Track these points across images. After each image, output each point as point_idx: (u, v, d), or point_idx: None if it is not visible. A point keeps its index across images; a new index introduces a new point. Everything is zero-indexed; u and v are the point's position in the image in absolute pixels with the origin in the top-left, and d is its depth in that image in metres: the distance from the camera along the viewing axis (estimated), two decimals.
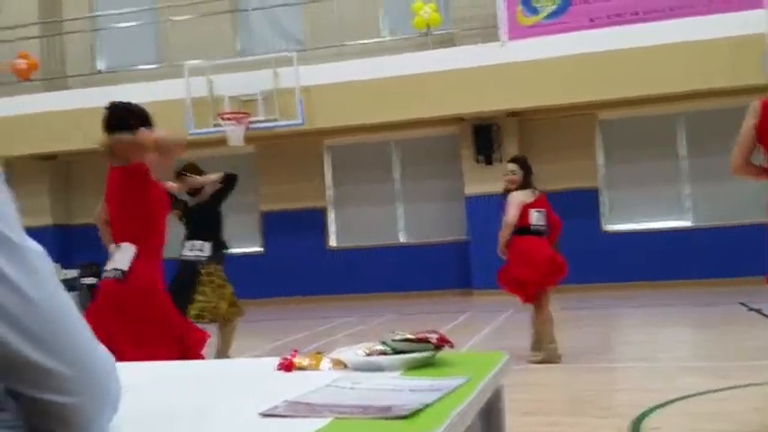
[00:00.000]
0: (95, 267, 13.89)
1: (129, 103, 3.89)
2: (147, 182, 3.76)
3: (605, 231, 12.78)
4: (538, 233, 6.51)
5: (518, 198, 6.52)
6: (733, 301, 9.44)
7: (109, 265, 3.83)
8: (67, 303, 0.88)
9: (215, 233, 6.58)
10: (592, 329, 8.44)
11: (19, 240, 0.84)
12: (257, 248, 14.05)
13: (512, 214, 6.46)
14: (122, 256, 3.75)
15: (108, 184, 3.91)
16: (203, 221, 6.56)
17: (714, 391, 5.04)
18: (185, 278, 6.23)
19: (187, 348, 3.75)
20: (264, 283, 13.19)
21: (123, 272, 3.72)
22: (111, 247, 3.89)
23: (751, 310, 8.68)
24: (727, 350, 6.65)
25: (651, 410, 4.59)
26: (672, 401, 4.81)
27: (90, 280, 13.74)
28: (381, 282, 13.23)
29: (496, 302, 9.76)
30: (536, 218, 6.50)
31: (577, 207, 12.56)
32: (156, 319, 3.74)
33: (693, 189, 12.54)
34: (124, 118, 3.75)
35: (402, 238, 13.70)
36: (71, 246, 14.41)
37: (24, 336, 0.81)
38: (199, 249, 6.36)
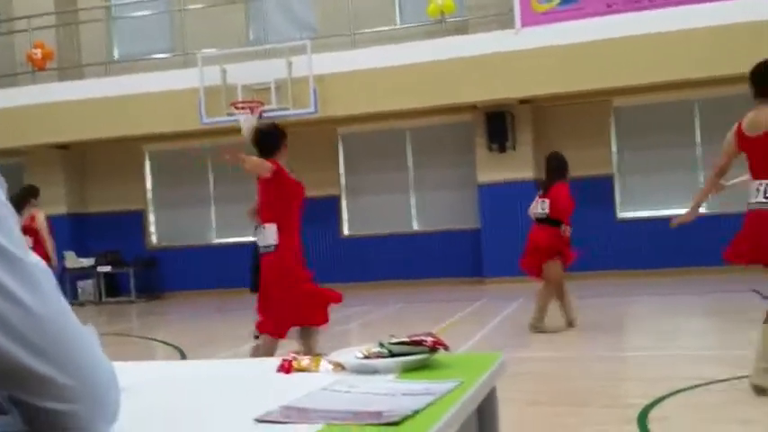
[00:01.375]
0: (111, 256, 13.94)
1: (270, 126, 5.52)
2: (280, 180, 5.17)
3: (620, 219, 12.73)
4: (536, 220, 7.69)
5: None
6: (746, 288, 9.39)
7: (261, 243, 5.18)
8: (69, 316, 0.90)
9: None
10: (604, 317, 8.44)
11: (22, 255, 0.86)
12: None
13: None
14: (269, 234, 5.08)
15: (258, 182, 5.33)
16: None
17: (723, 380, 5.04)
18: None
19: (318, 301, 5.24)
20: None
21: (275, 245, 5.06)
22: (258, 227, 5.24)
23: (765, 298, 8.63)
24: (738, 339, 6.58)
25: (659, 400, 4.60)
26: (680, 391, 4.82)
27: (105, 268, 13.78)
28: (394, 270, 13.25)
29: (508, 290, 9.78)
30: (532, 207, 7.78)
31: (592, 194, 12.51)
32: (298, 278, 5.16)
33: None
34: (266, 142, 5.25)
35: (415, 227, 13.70)
36: (86, 234, 14.55)
37: (25, 346, 0.83)
38: None
